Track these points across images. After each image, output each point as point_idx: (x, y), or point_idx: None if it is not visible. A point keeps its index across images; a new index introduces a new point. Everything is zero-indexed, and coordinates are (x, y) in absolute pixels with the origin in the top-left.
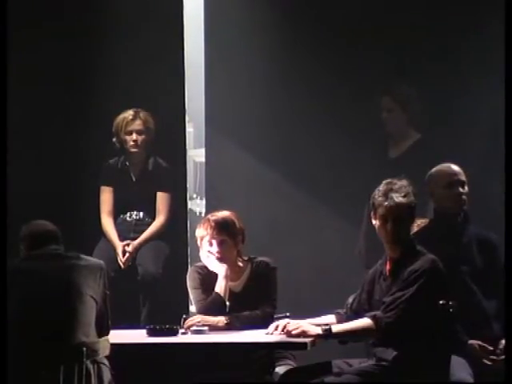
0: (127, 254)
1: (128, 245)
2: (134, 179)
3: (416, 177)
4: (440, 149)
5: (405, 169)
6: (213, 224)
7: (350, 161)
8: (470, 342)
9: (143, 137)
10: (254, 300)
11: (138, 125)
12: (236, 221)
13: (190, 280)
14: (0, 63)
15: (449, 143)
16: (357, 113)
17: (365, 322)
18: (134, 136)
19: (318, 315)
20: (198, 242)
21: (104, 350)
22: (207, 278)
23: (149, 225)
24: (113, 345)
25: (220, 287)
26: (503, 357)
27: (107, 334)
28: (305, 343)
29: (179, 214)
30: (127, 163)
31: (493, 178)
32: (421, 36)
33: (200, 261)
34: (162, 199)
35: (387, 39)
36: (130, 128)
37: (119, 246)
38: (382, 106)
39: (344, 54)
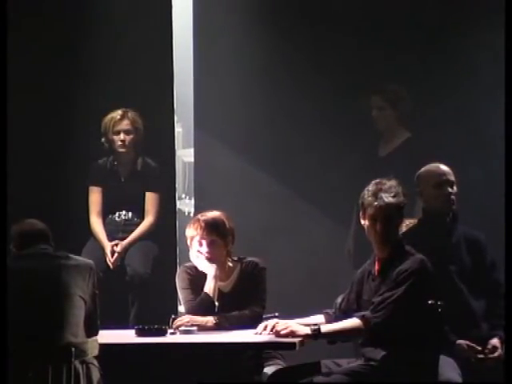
0: (116, 254)
1: (117, 245)
2: (122, 179)
3: (405, 175)
4: (430, 148)
5: (394, 167)
6: (203, 224)
7: (339, 159)
8: (459, 341)
9: (131, 137)
10: (243, 300)
11: (125, 125)
12: (226, 221)
13: (179, 280)
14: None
15: (439, 142)
16: (347, 111)
17: (353, 322)
18: (122, 136)
19: (307, 315)
20: (188, 242)
21: (93, 351)
22: (196, 278)
23: (138, 225)
24: (101, 345)
25: (209, 287)
26: (491, 356)
27: (96, 334)
28: (293, 343)
29: (168, 214)
30: (116, 163)
31: (483, 178)
32: (412, 35)
33: (189, 261)
34: (150, 199)
35: (378, 38)
36: (118, 128)
37: (108, 246)
38: (372, 104)
39: (334, 52)
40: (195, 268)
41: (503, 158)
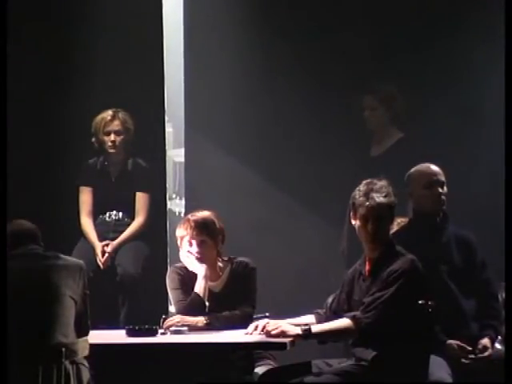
0: (106, 255)
1: (107, 245)
2: (113, 179)
3: (398, 176)
4: (422, 148)
5: (387, 167)
6: (193, 224)
7: (331, 159)
8: (449, 341)
9: (122, 137)
10: (233, 300)
11: (116, 125)
12: (216, 221)
13: (170, 280)
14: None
15: (431, 143)
16: (339, 111)
17: (344, 322)
18: (113, 137)
19: (298, 315)
20: (178, 242)
21: (83, 351)
22: (187, 279)
23: (128, 225)
24: (92, 345)
25: (199, 287)
26: (481, 355)
27: (86, 334)
28: (284, 343)
29: (158, 214)
30: (106, 163)
31: (476, 178)
32: (405, 35)
33: (180, 261)
34: (141, 199)
35: (371, 38)
36: (109, 129)
37: (98, 246)
38: (364, 104)
39: (326, 52)
40: (185, 268)
41: (496, 158)
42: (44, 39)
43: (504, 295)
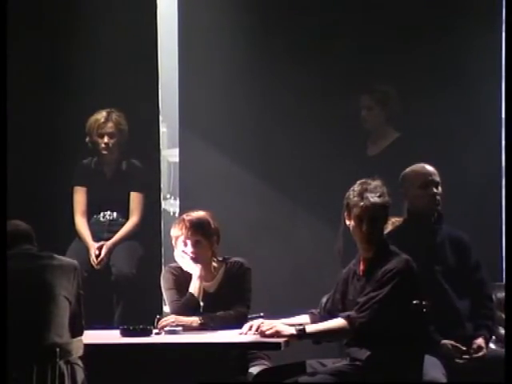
0: (101, 255)
1: (102, 245)
2: (107, 179)
3: (394, 175)
4: (419, 148)
5: (384, 167)
6: (187, 224)
7: (327, 159)
8: (443, 341)
9: (115, 139)
10: (228, 300)
11: (109, 128)
12: (211, 221)
13: (164, 280)
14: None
15: (428, 143)
16: (335, 111)
17: (339, 322)
18: (106, 139)
19: (292, 315)
20: (173, 242)
21: (77, 351)
22: (181, 279)
23: (122, 225)
24: (86, 345)
25: (194, 287)
26: (476, 355)
27: (81, 334)
28: (279, 343)
29: (153, 214)
30: (101, 163)
31: (472, 179)
32: (402, 35)
33: (174, 261)
34: (135, 199)
35: (367, 37)
36: (102, 131)
37: (93, 246)
38: (361, 104)
39: (322, 51)
40: (180, 268)
41: (492, 158)
42: (40, 40)
43: (498, 295)
